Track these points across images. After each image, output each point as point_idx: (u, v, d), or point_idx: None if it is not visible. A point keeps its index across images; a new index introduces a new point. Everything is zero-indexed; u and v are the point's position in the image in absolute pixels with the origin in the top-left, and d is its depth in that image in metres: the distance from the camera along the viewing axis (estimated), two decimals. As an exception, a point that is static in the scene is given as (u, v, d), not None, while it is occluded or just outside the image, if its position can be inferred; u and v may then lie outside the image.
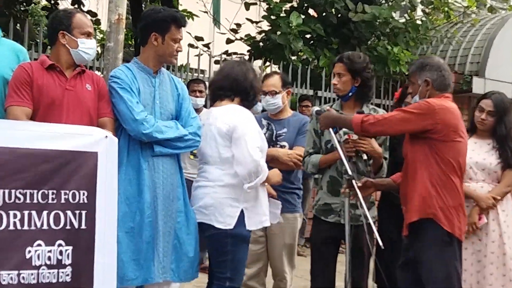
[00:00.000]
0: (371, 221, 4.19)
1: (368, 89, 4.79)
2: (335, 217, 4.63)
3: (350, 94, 4.76)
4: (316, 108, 4.65)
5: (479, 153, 5.07)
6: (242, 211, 4.24)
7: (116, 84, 4.11)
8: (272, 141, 5.13)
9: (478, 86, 11.67)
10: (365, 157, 4.48)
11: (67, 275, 3.53)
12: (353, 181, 4.20)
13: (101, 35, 14.82)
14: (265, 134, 4.95)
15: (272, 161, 4.78)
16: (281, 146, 5.14)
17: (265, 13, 10.55)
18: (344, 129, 4.45)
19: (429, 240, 4.18)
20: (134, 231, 4.03)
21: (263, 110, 5.64)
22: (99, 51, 10.68)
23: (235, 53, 10.34)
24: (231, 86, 4.40)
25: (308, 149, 4.88)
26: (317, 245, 4.53)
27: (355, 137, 4.45)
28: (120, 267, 3.87)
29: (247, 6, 11.11)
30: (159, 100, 4.22)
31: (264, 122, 5.22)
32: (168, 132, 4.13)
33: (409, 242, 4.29)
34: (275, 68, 10.10)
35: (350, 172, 4.23)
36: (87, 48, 4.06)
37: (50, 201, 3.52)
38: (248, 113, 4.35)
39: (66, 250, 3.54)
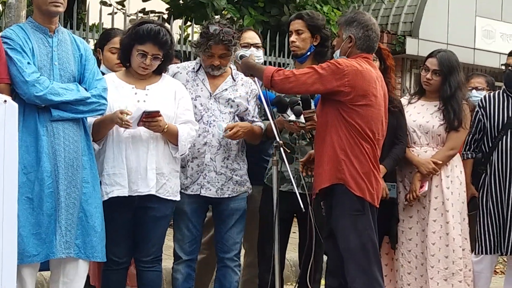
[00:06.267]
0: (296, 190, 4.22)
1: (326, 49, 4.79)
2: (288, 185, 4.59)
3: (308, 53, 4.78)
4: (241, 52, 4.62)
5: (423, 116, 5.09)
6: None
7: (6, 45, 4.00)
8: None
9: (412, 46, 11.84)
10: (309, 136, 4.62)
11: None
12: (281, 148, 4.24)
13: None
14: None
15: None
16: None
17: (185, -32, 10.36)
18: (289, 114, 4.49)
19: (341, 208, 4.27)
20: (34, 202, 3.96)
21: None
22: (0, 9, 10.28)
23: (152, 12, 10.15)
24: None
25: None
26: (268, 217, 4.46)
27: (301, 122, 4.50)
28: (18, 243, 3.76)
29: (166, -41, 10.88)
30: (58, 61, 4.12)
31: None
32: (67, 95, 4.04)
33: (326, 211, 4.38)
34: (196, 28, 9.94)
35: (278, 138, 4.28)
36: None
37: None
38: None
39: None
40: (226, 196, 4.72)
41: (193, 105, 4.66)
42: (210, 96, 4.71)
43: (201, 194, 4.67)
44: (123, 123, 4.21)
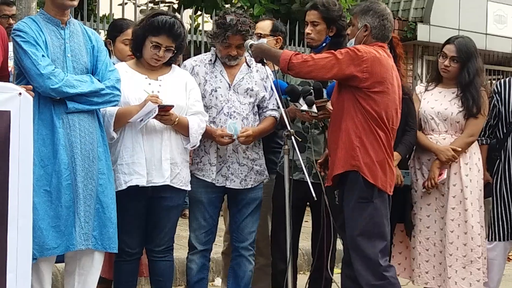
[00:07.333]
0: (308, 179, 4.25)
1: (342, 39, 4.79)
2: (300, 174, 4.62)
3: (324, 44, 4.77)
4: (251, 41, 4.60)
5: (441, 103, 5.06)
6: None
7: (19, 38, 4.00)
8: None
9: (423, 33, 11.78)
10: (321, 124, 4.64)
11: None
12: (293, 137, 4.27)
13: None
14: None
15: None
16: None
17: (195, -43, 10.34)
18: (301, 103, 4.48)
19: (353, 194, 4.28)
20: (52, 195, 3.97)
21: None
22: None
23: (162, 2, 10.15)
24: None
25: None
26: (281, 205, 4.46)
27: (313, 111, 4.49)
28: (38, 236, 3.81)
29: None
30: (71, 53, 4.13)
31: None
32: (81, 87, 4.05)
33: (340, 199, 4.39)
34: (207, 18, 9.95)
35: (289, 127, 4.30)
36: None
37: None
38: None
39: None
40: (249, 186, 4.75)
41: (213, 96, 4.69)
42: (229, 87, 4.72)
43: (226, 186, 4.69)
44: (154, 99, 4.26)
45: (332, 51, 4.29)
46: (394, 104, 4.32)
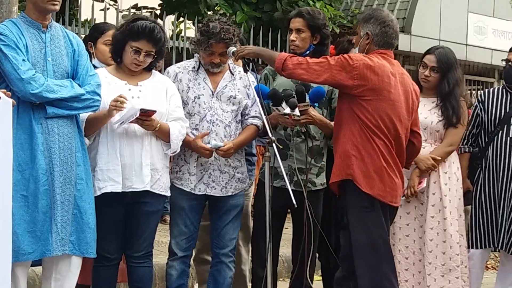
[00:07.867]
0: (288, 187, 4.23)
1: (325, 48, 4.81)
2: (281, 181, 4.61)
3: (308, 52, 4.77)
4: (233, 48, 4.59)
5: (421, 112, 5.07)
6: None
7: None
8: None
9: (404, 43, 11.85)
10: (303, 130, 4.64)
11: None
12: (274, 144, 4.27)
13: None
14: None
15: None
16: None
17: (178, -37, 10.35)
18: (283, 106, 4.47)
19: (350, 203, 4.29)
20: (29, 200, 3.94)
21: None
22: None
23: (145, 8, 10.13)
24: None
25: None
26: (262, 212, 4.46)
27: (296, 114, 4.48)
28: (13, 241, 3.77)
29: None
30: (52, 57, 4.10)
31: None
32: (62, 92, 4.02)
33: (342, 205, 4.40)
34: (189, 24, 9.95)
35: (270, 135, 4.30)
36: None
37: None
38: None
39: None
40: (230, 194, 4.73)
41: (196, 104, 4.67)
42: (213, 94, 4.70)
43: (207, 194, 4.67)
44: (116, 104, 4.20)
45: (327, 56, 4.33)
46: (395, 111, 4.31)
